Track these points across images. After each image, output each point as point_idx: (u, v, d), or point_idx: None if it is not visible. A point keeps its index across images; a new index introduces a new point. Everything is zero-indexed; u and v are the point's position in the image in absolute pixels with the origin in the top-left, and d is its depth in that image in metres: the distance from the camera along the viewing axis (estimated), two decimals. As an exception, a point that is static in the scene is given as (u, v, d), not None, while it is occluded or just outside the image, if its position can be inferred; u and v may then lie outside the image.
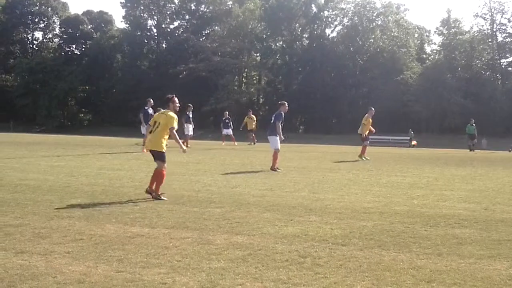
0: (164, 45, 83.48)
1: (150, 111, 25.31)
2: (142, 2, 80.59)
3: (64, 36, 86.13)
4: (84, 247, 6.75)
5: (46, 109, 76.90)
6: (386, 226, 8.29)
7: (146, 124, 20.22)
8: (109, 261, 6.11)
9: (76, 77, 78.53)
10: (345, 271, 5.90)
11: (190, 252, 6.58)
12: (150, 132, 11.18)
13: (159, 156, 10.96)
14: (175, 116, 11.05)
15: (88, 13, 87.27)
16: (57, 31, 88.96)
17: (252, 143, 33.86)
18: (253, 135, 34.64)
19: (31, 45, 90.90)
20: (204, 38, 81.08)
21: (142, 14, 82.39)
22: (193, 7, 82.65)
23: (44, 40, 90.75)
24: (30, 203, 9.85)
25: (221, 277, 5.60)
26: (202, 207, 9.78)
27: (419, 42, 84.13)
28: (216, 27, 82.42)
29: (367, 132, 22.95)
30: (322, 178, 15.12)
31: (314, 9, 78.70)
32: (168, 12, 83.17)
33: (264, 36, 79.59)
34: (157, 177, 10.85)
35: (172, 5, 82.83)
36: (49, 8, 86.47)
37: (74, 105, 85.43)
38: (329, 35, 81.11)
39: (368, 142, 23.60)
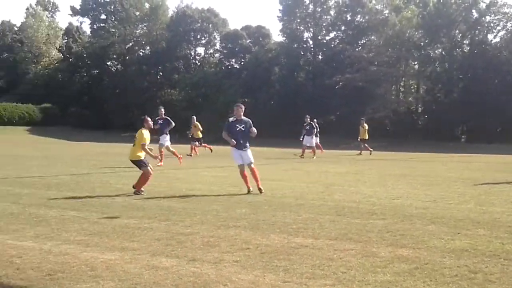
0: (320, 56, 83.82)
1: (160, 121, 24.15)
2: (298, 15, 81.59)
3: (224, 51, 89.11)
4: (251, 256, 6.92)
5: (208, 122, 79.82)
6: None
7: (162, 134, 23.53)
8: (275, 271, 6.22)
9: (236, 91, 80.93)
10: (521, 289, 5.58)
11: (354, 264, 6.53)
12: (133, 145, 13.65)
13: (138, 164, 13.49)
14: (144, 133, 13.45)
15: (246, 28, 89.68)
16: (217, 46, 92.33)
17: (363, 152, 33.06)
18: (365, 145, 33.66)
19: (193, 61, 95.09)
20: (360, 48, 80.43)
21: (298, 27, 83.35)
22: (348, 18, 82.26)
23: (205, 56, 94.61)
24: (198, 212, 10.28)
25: (389, 291, 5.51)
26: (363, 219, 9.69)
27: None
28: (372, 37, 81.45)
29: None
30: (488, 189, 14.42)
31: (475, 14, 75.46)
32: (324, 24, 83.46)
33: (422, 44, 77.44)
34: (144, 177, 13.22)
35: (328, 17, 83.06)
36: (210, 25, 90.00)
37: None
38: (491, 40, 77.35)
39: None
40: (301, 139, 30.71)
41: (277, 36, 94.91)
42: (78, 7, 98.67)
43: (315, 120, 31.17)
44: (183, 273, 6.09)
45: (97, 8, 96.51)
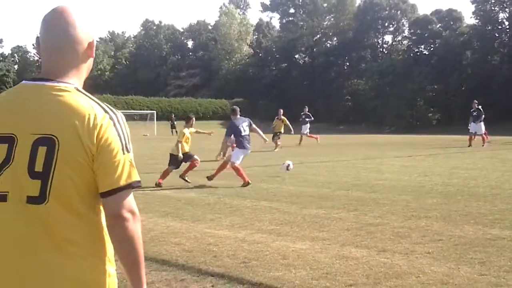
0: (517, 38, 78.93)
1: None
2: (493, -5, 77.51)
3: (413, 38, 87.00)
4: (443, 248, 6.69)
5: (395, 110, 78.53)
6: None
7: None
8: (471, 263, 5.96)
9: (425, 77, 78.81)
10: None
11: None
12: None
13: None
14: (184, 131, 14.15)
15: (436, 12, 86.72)
16: (405, 33, 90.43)
17: None
18: None
19: (381, 49, 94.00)
20: None
21: (492, 8, 79.08)
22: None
23: (393, 43, 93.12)
24: (387, 202, 10.14)
25: None
26: None
27: None
28: None
29: None
30: None
31: None
32: (521, 2, 78.44)
33: None
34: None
35: (525, -6, 77.91)
36: (398, 11, 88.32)
37: (423, 105, 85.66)
38: None
39: None
40: (469, 127, 28.61)
41: (469, 19, 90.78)
42: (268, 2, 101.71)
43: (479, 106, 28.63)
44: (374, 263, 6.05)
45: (286, 3, 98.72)
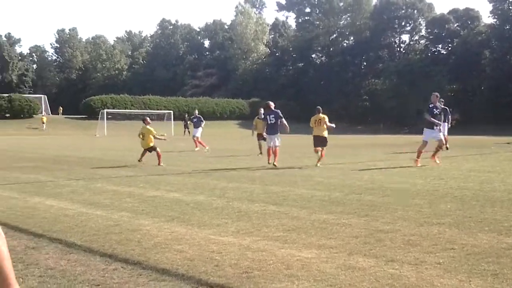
0: (536, 37, 78.00)
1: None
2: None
3: (430, 37, 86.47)
4: (455, 257, 6.41)
5: (414, 110, 78.02)
6: None
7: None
8: (483, 276, 5.68)
9: (443, 77, 78.19)
10: None
11: None
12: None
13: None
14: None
15: (453, 11, 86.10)
16: (423, 32, 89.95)
17: None
18: None
19: (398, 49, 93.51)
20: None
21: (510, 7, 78.31)
22: None
23: (410, 43, 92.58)
24: (399, 207, 9.86)
25: None
26: None
27: None
28: None
29: None
30: None
31: None
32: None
33: None
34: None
35: (545, -7, 77.00)
36: (415, 11, 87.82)
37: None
38: None
39: None
40: None
41: (486, 18, 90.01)
42: (283, 2, 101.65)
43: None
44: (381, 275, 5.79)
45: (301, 2, 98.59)
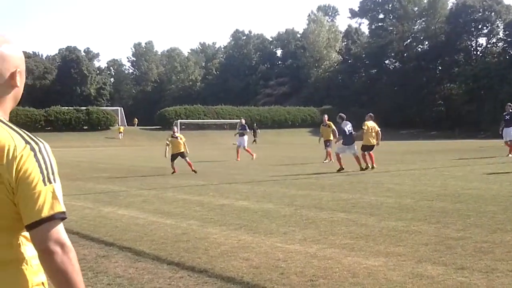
0: None
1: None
2: None
3: (508, 39, 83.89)
4: (529, 266, 6.17)
5: (491, 114, 75.81)
6: None
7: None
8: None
9: (523, 80, 75.73)
10: None
11: None
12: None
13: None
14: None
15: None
16: (500, 35, 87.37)
17: None
18: None
19: (474, 52, 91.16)
20: None
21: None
22: None
23: (487, 46, 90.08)
24: (472, 214, 9.57)
25: None
26: None
27: None
28: None
29: None
30: None
31: None
32: None
33: None
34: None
35: None
36: (492, 13, 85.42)
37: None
38: None
39: None
40: (500, 132, 25.04)
41: None
42: (356, 9, 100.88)
43: None
44: (449, 283, 5.62)
45: (375, 8, 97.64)
